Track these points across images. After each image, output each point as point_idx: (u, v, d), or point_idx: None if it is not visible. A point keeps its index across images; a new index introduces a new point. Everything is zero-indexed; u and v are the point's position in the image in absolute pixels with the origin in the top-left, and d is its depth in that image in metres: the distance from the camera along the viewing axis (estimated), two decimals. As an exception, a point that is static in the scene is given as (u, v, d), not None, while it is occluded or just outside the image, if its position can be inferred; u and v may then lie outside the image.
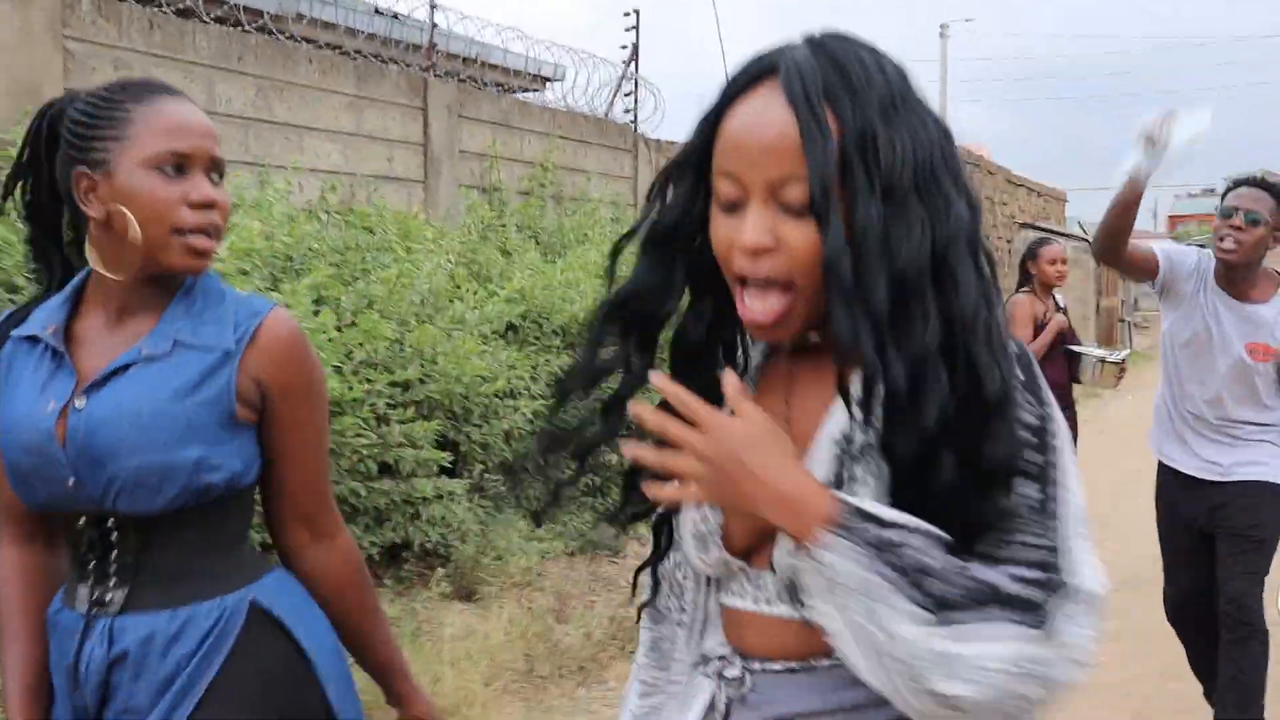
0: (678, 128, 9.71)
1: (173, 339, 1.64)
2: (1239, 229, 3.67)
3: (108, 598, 1.65)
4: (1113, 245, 3.74)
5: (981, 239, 1.18)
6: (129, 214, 1.59)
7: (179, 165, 1.62)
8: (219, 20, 6.26)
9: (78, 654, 1.65)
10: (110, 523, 1.64)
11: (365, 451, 4.72)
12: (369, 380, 4.78)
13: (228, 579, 1.68)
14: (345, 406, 4.58)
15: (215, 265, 4.41)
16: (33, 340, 1.69)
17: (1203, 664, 3.95)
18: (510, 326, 6.35)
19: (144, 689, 1.62)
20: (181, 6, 6.00)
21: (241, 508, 1.73)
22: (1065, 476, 1.17)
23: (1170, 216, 77.42)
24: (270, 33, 6.51)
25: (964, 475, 1.13)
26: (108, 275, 1.65)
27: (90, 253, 1.66)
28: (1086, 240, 22.47)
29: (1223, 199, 3.83)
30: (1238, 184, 3.84)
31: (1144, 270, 3.90)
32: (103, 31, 5.50)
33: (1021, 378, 1.17)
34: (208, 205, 1.63)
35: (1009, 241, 22.26)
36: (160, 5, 5.88)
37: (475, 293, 5.93)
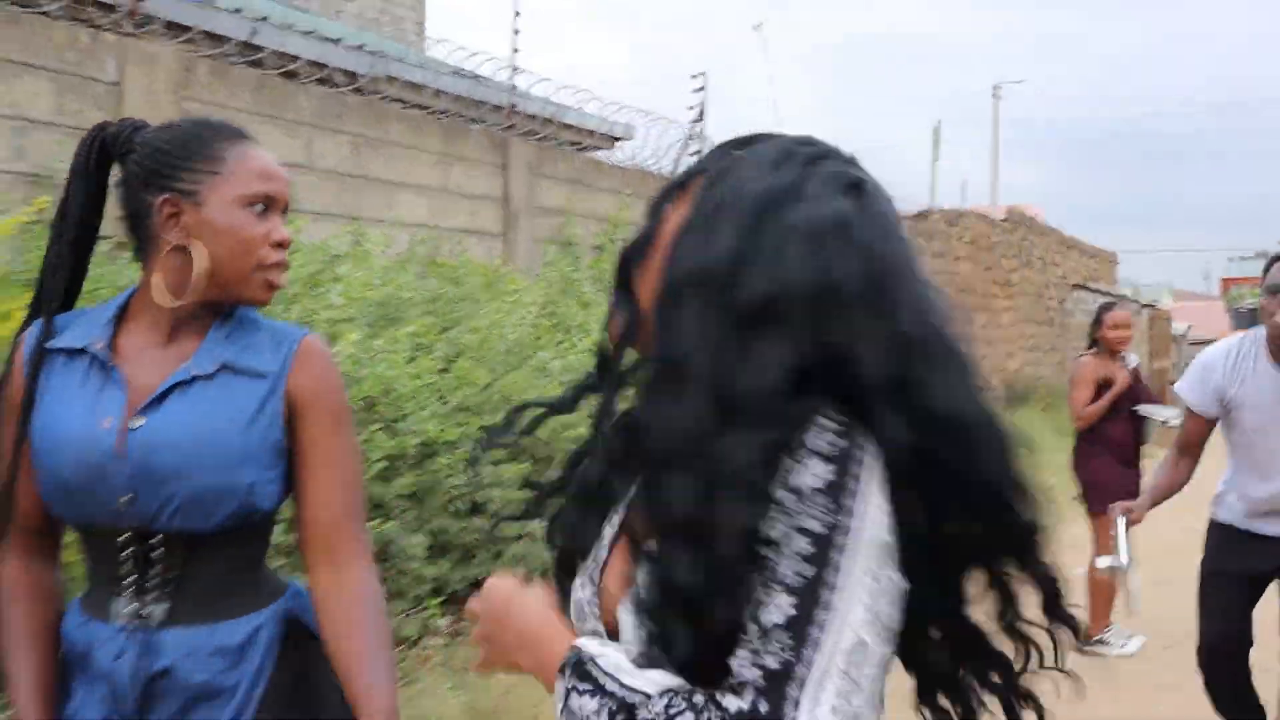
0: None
1: (219, 361, 1.69)
2: None
3: (147, 612, 1.68)
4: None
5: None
6: (203, 247, 1.67)
7: (266, 206, 1.71)
8: (320, 82, 6.63)
9: (116, 666, 1.67)
10: (155, 539, 1.66)
11: (457, 491, 4.99)
12: (462, 424, 5.06)
13: (259, 593, 1.73)
14: (440, 448, 4.86)
15: (328, 313, 4.73)
16: (72, 353, 1.72)
17: (1229, 705, 4.06)
18: (590, 375, 6.62)
19: (184, 702, 1.66)
20: (286, 69, 6.36)
21: (270, 527, 1.80)
22: (841, 599, 1.03)
23: (1223, 279, 76.87)
24: (364, 93, 6.86)
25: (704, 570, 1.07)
26: (169, 298, 1.70)
27: (156, 276, 1.71)
28: (1136, 302, 22.54)
29: (1265, 274, 3.89)
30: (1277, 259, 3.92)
31: (1207, 432, 4.11)
32: (216, 93, 5.86)
33: (827, 479, 1.06)
34: (284, 245, 1.73)
35: (1061, 302, 22.35)
36: (265, 68, 6.24)
37: (559, 342, 6.21)
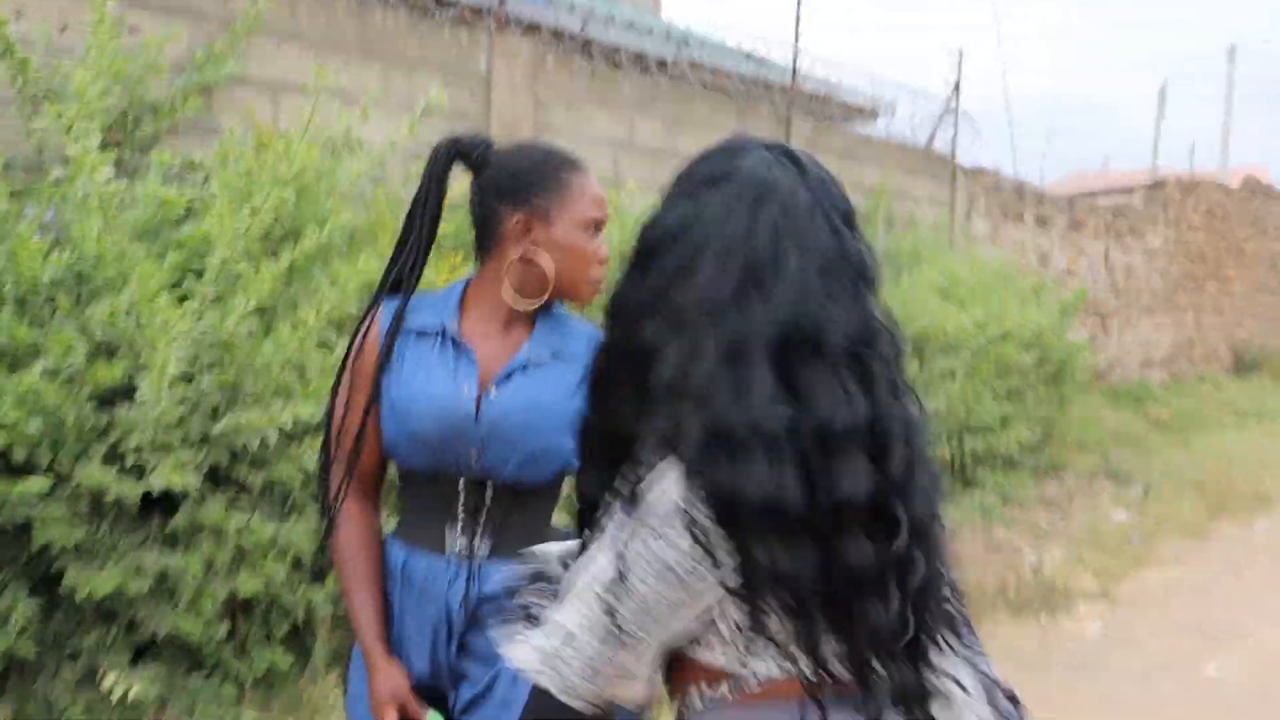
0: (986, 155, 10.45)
1: (551, 349, 1.98)
2: None
3: (476, 546, 1.96)
4: None
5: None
6: (549, 259, 1.95)
7: (596, 228, 2.00)
8: (642, 70, 7.40)
9: (449, 591, 1.95)
10: (489, 488, 1.95)
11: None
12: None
13: (553, 537, 1.90)
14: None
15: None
16: (423, 332, 1.99)
17: None
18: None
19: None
20: (614, 60, 7.14)
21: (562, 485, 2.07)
22: (604, 541, 1.34)
23: None
24: (672, 79, 7.60)
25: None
26: (520, 300, 1.99)
27: (505, 280, 1.98)
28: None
29: None
30: None
31: None
32: (559, 81, 6.67)
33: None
34: (605, 260, 2.02)
35: (1297, 268, 21.81)
36: (593, 58, 7.03)
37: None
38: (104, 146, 3.78)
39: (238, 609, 3.90)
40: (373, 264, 3.93)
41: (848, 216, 1.40)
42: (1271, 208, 20.40)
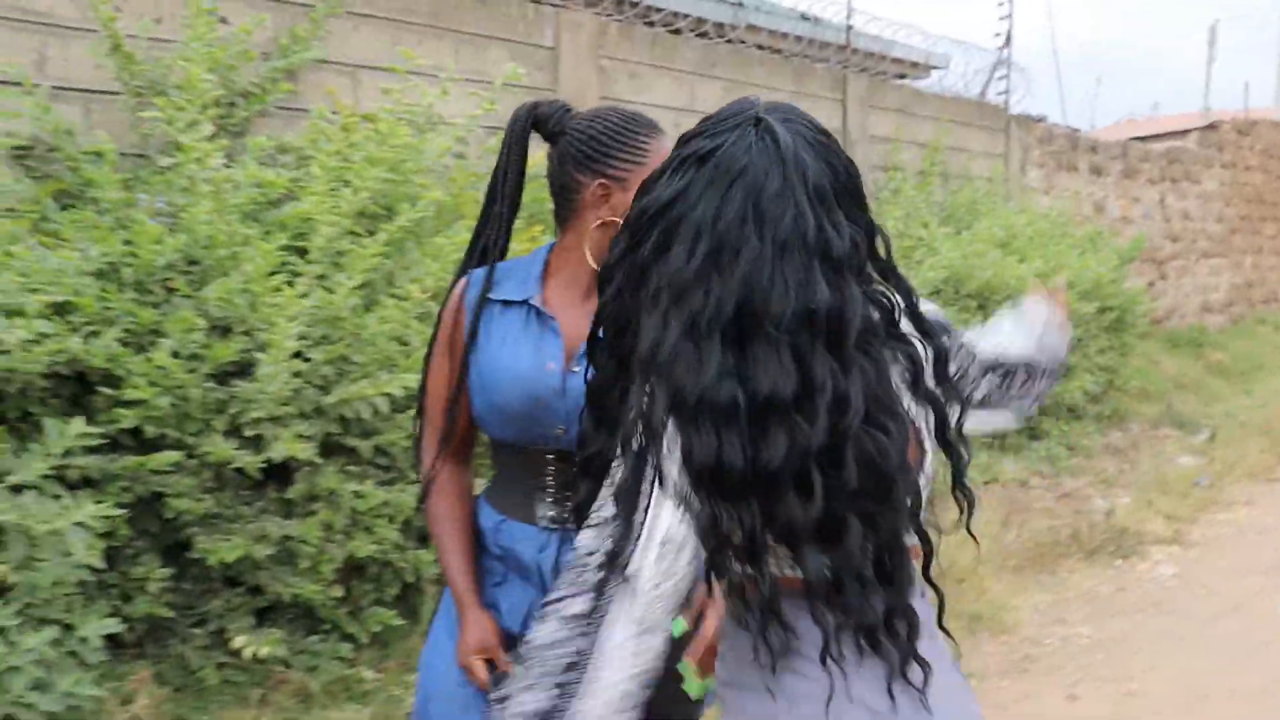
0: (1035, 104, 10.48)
1: None
2: None
3: (565, 516, 1.98)
4: None
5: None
6: None
7: None
8: (701, 35, 7.49)
9: (540, 557, 1.99)
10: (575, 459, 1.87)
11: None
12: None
13: None
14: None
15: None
16: (509, 303, 2.00)
17: None
18: (934, 290, 7.35)
19: None
20: (674, 27, 7.24)
21: None
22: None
23: None
24: (731, 43, 7.69)
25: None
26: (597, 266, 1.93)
27: (586, 245, 1.96)
28: None
29: None
30: None
31: None
32: (622, 50, 6.79)
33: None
34: None
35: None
36: (654, 25, 7.14)
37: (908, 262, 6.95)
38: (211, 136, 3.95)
39: (351, 572, 4.10)
40: (464, 236, 4.09)
41: (820, 191, 1.43)
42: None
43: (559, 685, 1.40)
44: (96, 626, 3.27)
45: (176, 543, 3.76)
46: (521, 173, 2.08)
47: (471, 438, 2.12)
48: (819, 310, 1.38)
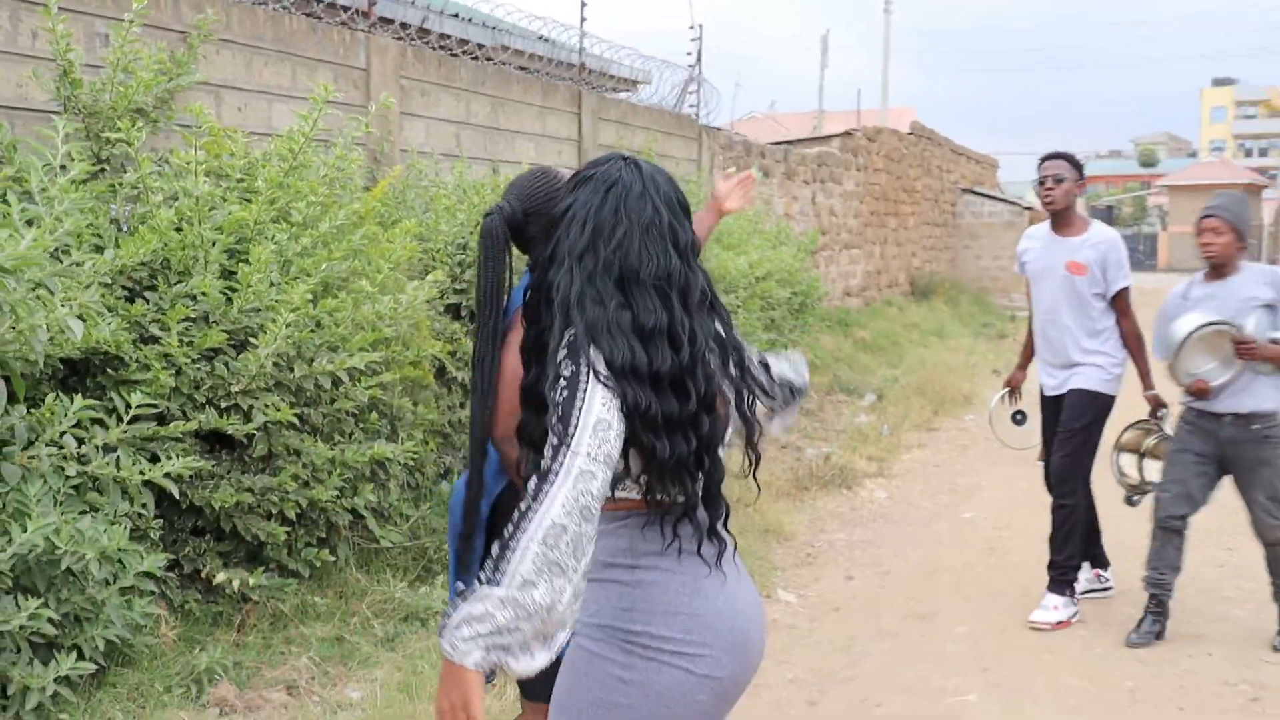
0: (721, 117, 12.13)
1: None
2: (1050, 189, 5.36)
3: None
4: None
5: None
6: None
7: None
8: (467, 54, 8.50)
9: None
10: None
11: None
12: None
13: None
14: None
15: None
16: None
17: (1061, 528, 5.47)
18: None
19: None
20: (455, 52, 8.23)
21: None
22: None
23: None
24: (495, 63, 8.74)
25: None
26: None
27: None
28: (1015, 204, 25.17)
29: (1039, 169, 5.47)
30: (1044, 159, 5.46)
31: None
32: (415, 70, 7.72)
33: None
34: None
35: (953, 205, 24.92)
36: (435, 48, 8.09)
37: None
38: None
39: (286, 520, 4.91)
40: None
41: (670, 201, 2.09)
42: (935, 150, 23.26)
43: (512, 525, 1.83)
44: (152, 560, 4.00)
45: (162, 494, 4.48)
46: (506, 278, 2.66)
47: None
48: (674, 273, 2.03)
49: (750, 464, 2.22)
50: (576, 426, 1.86)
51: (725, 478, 2.08)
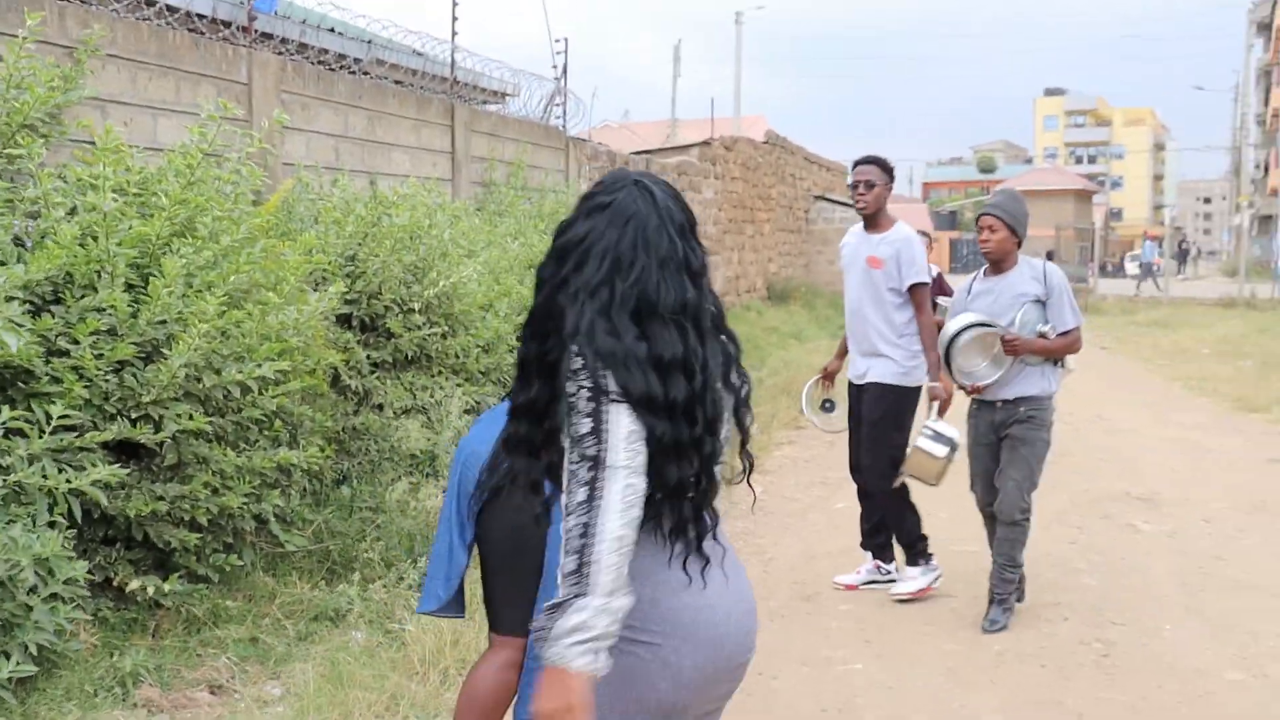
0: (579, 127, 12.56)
1: None
2: (863, 194, 5.65)
3: None
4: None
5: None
6: None
7: None
8: (344, 68, 8.62)
9: None
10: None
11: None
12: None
13: None
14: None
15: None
16: None
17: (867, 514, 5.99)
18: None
19: None
20: (333, 66, 8.34)
21: None
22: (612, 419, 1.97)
23: (924, 184, 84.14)
24: (373, 78, 8.87)
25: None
26: None
27: None
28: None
29: (851, 173, 5.77)
30: (856, 163, 5.72)
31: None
32: (295, 85, 7.82)
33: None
34: None
35: (806, 212, 25.66)
36: (314, 63, 8.19)
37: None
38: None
39: (195, 526, 5.01)
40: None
41: (682, 228, 2.12)
42: (789, 159, 23.93)
43: (579, 547, 1.91)
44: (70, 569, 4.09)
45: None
46: None
47: None
48: (689, 303, 2.06)
49: (746, 470, 2.36)
50: (608, 440, 1.93)
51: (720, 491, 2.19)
